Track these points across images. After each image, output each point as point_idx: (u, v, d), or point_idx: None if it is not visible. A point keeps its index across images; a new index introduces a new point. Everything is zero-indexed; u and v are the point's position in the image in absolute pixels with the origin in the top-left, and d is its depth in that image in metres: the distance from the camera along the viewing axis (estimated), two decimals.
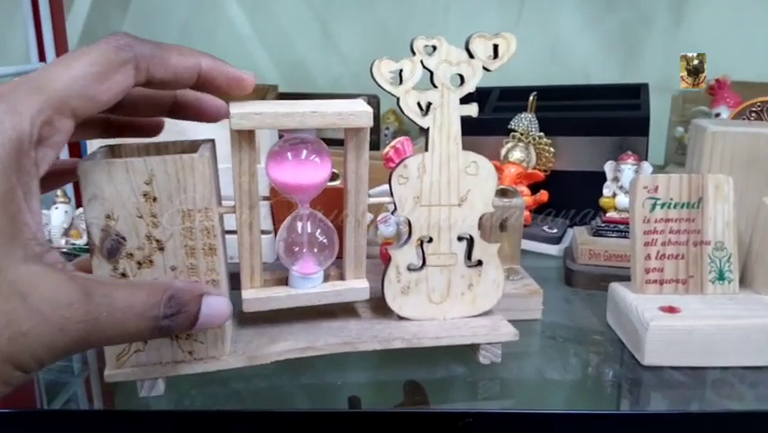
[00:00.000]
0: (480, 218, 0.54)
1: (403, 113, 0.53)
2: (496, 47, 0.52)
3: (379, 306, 0.55)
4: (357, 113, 0.48)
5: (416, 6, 1.30)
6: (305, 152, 0.49)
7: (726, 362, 0.53)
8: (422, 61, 0.51)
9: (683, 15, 1.28)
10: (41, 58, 0.86)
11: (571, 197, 0.86)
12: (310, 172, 0.49)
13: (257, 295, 0.51)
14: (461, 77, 0.52)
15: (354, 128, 0.49)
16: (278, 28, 1.31)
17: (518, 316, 0.61)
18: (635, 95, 0.93)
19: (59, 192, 0.71)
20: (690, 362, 0.53)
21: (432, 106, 0.52)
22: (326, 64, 1.32)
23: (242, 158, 0.48)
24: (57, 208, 0.71)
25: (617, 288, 0.60)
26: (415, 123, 0.53)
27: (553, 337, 0.59)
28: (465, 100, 0.54)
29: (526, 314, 0.62)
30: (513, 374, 0.52)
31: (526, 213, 0.83)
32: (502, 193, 0.65)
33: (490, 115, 0.94)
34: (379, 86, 0.52)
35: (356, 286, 0.53)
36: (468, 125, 0.97)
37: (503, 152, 0.86)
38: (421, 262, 0.54)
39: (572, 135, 0.90)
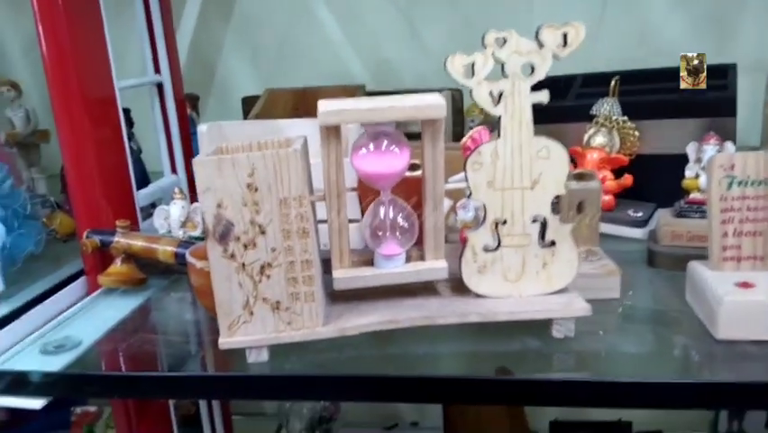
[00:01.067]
0: (558, 202, 0.57)
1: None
2: (565, 35, 0.55)
3: (458, 285, 0.59)
4: (432, 105, 0.53)
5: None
6: (385, 142, 0.54)
7: None
8: (493, 53, 0.55)
9: None
10: (156, 70, 0.96)
11: (658, 180, 0.86)
12: (390, 161, 0.54)
13: (346, 274, 0.57)
14: (532, 66, 0.55)
15: (430, 120, 0.54)
16: (367, 30, 1.37)
17: (596, 295, 0.63)
18: (722, 75, 0.91)
19: (176, 190, 0.80)
20: (766, 335, 0.53)
21: (503, 95, 0.56)
22: (413, 62, 1.37)
23: (330, 151, 0.54)
24: (175, 204, 0.80)
25: (695, 266, 0.61)
26: (488, 111, 0.56)
27: (631, 315, 0.61)
28: (537, 87, 0.57)
29: (604, 293, 0.64)
30: (587, 348, 0.55)
31: (610, 197, 0.85)
32: (579, 177, 0.67)
33: (574, 102, 0.95)
34: (453, 79, 0.56)
35: (435, 266, 0.58)
36: (552, 113, 0.99)
37: (585, 137, 0.88)
38: (496, 243, 0.58)
39: (658, 118, 0.90)
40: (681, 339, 0.56)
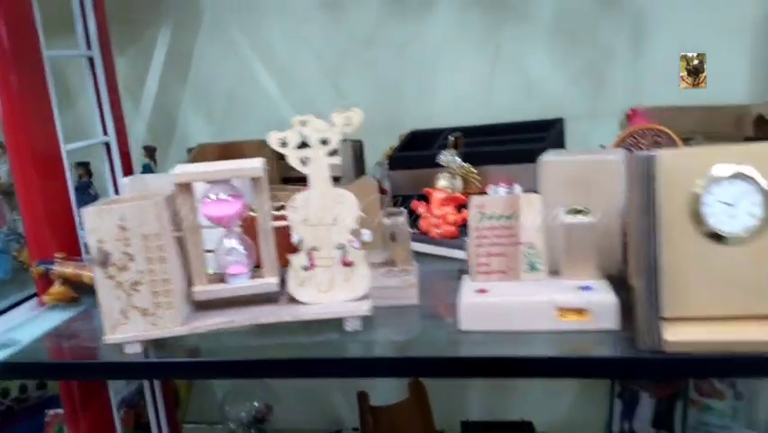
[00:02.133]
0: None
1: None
2: (349, 117, 0.78)
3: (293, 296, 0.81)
4: (251, 168, 0.76)
5: (411, 59, 1.55)
6: (221, 194, 0.77)
7: (519, 327, 0.73)
8: (299, 131, 0.78)
9: (642, 48, 1.44)
10: (105, 132, 1.21)
11: None
12: (225, 207, 0.77)
13: (202, 289, 0.79)
14: (327, 139, 0.78)
15: (255, 177, 0.76)
16: (300, 88, 1.61)
17: (399, 302, 0.85)
18: (547, 128, 1.13)
19: None
20: (493, 327, 0.74)
21: (309, 160, 0.78)
22: None
23: (184, 200, 0.76)
24: None
25: (464, 277, 0.82)
26: (299, 171, 0.79)
27: (417, 315, 0.82)
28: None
29: (405, 301, 0.85)
30: (369, 337, 0.76)
31: (454, 228, 1.06)
32: (390, 214, 0.89)
33: (435, 152, 1.17)
34: (273, 149, 0.78)
35: (269, 282, 0.80)
36: (423, 162, 1.22)
37: (435, 181, 1.10)
38: (311, 264, 0.79)
39: (496, 164, 1.11)
40: (438, 331, 0.77)
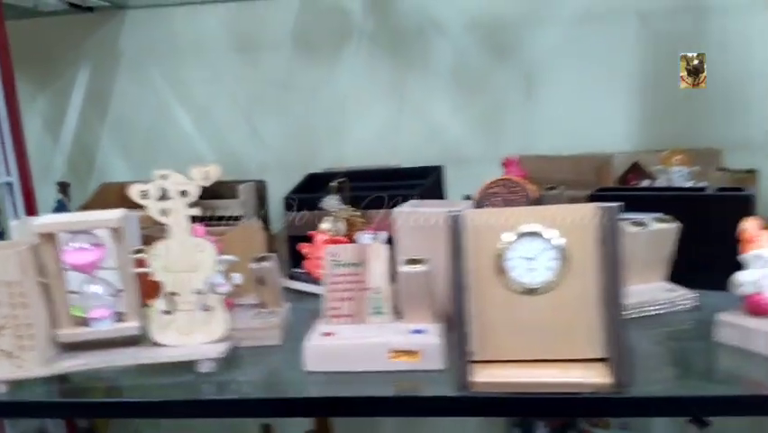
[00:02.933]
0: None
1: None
2: (208, 171, 0.84)
3: None
4: (107, 219, 0.81)
5: (321, 103, 1.63)
6: (81, 243, 0.82)
7: (357, 368, 0.79)
8: (160, 184, 0.83)
9: (532, 98, 1.54)
10: (8, 172, 1.25)
11: None
12: (85, 255, 0.82)
13: (66, 332, 0.83)
14: (187, 192, 0.84)
15: (112, 228, 0.82)
16: (216, 127, 1.68)
17: (263, 342, 0.90)
18: (425, 175, 1.21)
19: None
20: (335, 368, 0.80)
21: (169, 211, 0.84)
22: (254, 153, 1.66)
23: (45, 249, 0.81)
24: None
25: (318, 321, 0.88)
26: (160, 222, 0.84)
27: (276, 356, 0.88)
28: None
29: (269, 341, 0.90)
30: (219, 378, 0.81)
31: None
32: (260, 259, 0.95)
33: (323, 195, 1.24)
34: (134, 201, 0.84)
35: (129, 326, 0.84)
36: (315, 204, 1.28)
37: (320, 223, 1.16)
38: (171, 309, 0.84)
39: (380, 208, 1.18)
40: (287, 372, 0.82)
